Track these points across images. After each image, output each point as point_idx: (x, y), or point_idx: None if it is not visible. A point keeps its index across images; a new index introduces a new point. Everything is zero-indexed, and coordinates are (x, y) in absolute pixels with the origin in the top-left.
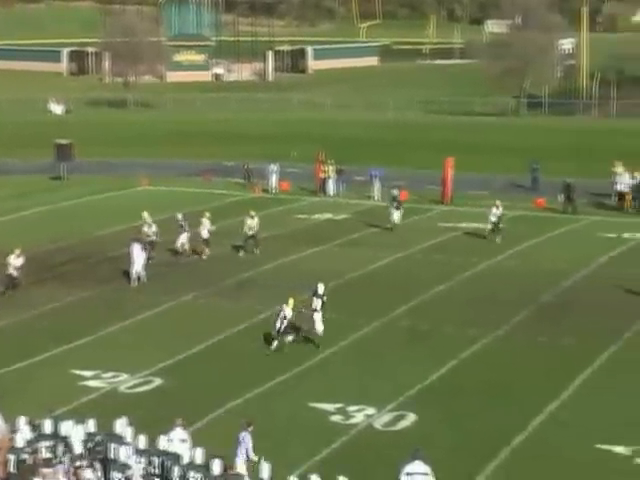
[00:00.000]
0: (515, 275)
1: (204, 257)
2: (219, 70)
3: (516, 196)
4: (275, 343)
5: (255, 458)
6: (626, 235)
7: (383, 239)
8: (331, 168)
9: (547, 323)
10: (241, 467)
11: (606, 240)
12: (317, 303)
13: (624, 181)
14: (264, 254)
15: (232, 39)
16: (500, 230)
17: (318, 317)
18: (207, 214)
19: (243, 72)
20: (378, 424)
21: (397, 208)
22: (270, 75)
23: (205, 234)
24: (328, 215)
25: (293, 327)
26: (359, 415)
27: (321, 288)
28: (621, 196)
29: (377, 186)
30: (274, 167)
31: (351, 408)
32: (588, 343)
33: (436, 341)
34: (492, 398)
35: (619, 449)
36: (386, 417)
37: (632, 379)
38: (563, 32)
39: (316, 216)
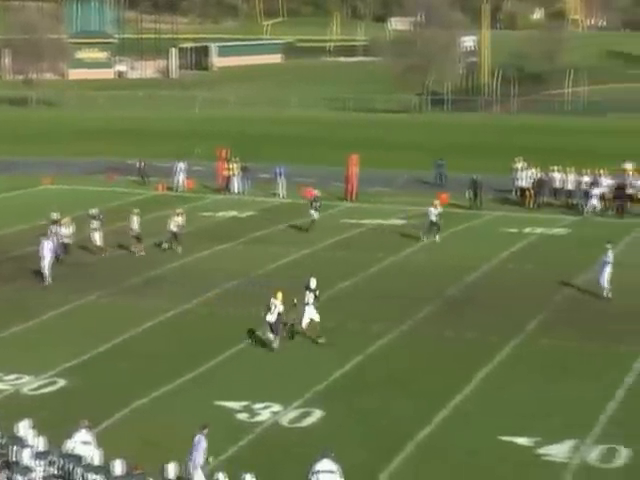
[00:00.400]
0: (420, 270)
1: (141, 253)
2: (122, 67)
3: (421, 192)
4: (276, 340)
5: (210, 459)
6: (527, 230)
7: (288, 236)
8: (236, 166)
9: (451, 318)
10: (196, 470)
11: (508, 235)
12: (310, 297)
13: (525, 177)
14: (170, 252)
15: (135, 36)
16: (439, 229)
17: (311, 309)
18: (136, 210)
19: (146, 70)
20: (284, 421)
21: (316, 209)
22: (174, 72)
23: (134, 232)
24: (233, 213)
25: (282, 321)
26: (265, 412)
27: (313, 282)
28: (522, 192)
29: (282, 183)
30: (182, 165)
31: (257, 405)
32: (490, 337)
33: (341, 337)
34: (397, 393)
35: (521, 440)
36: (292, 414)
37: (533, 372)
38: (465, 30)
39: (221, 214)
